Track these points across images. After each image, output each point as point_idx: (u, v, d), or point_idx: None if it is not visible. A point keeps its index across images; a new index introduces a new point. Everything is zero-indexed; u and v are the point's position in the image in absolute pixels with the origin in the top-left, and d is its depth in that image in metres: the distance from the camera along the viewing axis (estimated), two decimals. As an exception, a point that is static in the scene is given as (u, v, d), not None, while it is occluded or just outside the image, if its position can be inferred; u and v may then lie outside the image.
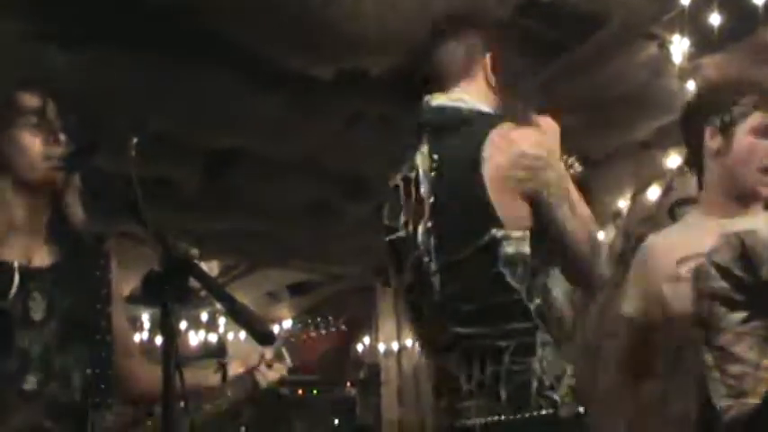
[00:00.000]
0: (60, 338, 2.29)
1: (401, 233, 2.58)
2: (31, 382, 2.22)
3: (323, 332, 3.04)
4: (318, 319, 3.01)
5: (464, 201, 2.39)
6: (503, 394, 2.29)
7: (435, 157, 2.48)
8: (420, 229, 2.49)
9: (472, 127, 2.43)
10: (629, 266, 5.52)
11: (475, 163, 2.33)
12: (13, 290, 2.23)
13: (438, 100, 2.57)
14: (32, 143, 2.29)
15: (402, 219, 2.59)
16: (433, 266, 2.43)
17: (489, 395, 2.29)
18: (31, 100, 2.34)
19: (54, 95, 2.38)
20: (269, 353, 2.72)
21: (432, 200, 2.47)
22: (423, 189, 2.51)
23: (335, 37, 4.14)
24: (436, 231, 2.44)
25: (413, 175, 2.56)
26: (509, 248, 2.34)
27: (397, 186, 2.66)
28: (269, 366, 2.72)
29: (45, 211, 2.38)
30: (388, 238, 2.62)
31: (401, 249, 2.57)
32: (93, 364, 2.35)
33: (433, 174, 2.49)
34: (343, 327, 3.11)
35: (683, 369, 3.78)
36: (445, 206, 2.44)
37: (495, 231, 2.32)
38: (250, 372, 2.70)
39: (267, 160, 5.58)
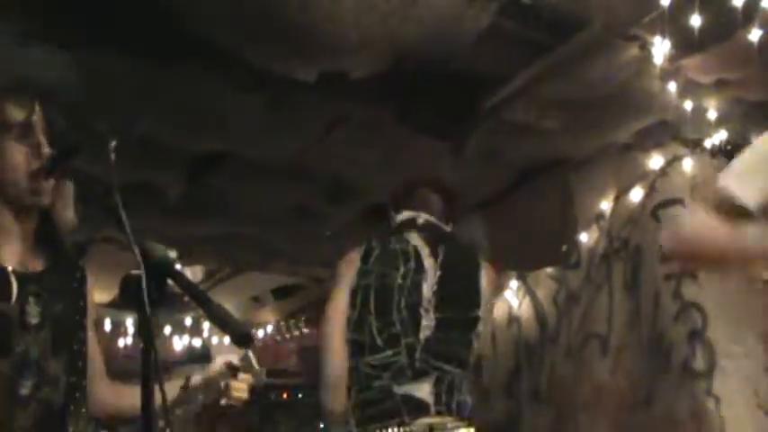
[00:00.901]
0: (53, 343, 2.30)
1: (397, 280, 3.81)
2: (26, 387, 2.22)
3: (301, 332, 2.98)
4: (292, 321, 2.96)
5: (464, 288, 3.89)
6: None
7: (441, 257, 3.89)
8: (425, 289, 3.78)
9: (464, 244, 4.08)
10: (612, 268, 5.57)
11: (478, 267, 4.01)
12: (14, 294, 2.24)
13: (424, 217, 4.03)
14: (18, 160, 2.30)
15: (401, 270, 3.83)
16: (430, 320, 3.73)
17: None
18: (16, 112, 2.34)
19: (36, 98, 2.38)
20: (235, 359, 2.65)
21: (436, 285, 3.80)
22: (428, 273, 3.84)
23: (315, 40, 4.13)
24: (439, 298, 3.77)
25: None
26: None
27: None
28: (234, 374, 2.62)
29: (34, 219, 2.39)
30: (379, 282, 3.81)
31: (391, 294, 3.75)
32: (72, 373, 2.35)
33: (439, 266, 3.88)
34: (305, 329, 3.07)
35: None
36: (448, 288, 3.81)
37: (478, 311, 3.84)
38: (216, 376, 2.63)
39: (250, 164, 5.57)
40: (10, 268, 2.29)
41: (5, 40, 4.02)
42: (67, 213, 2.44)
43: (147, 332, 1.76)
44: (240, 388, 2.61)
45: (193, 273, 8.10)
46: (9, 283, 2.25)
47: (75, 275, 2.52)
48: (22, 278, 2.30)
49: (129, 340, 9.16)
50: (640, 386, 5.27)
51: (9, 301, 2.23)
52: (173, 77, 4.50)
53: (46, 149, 2.32)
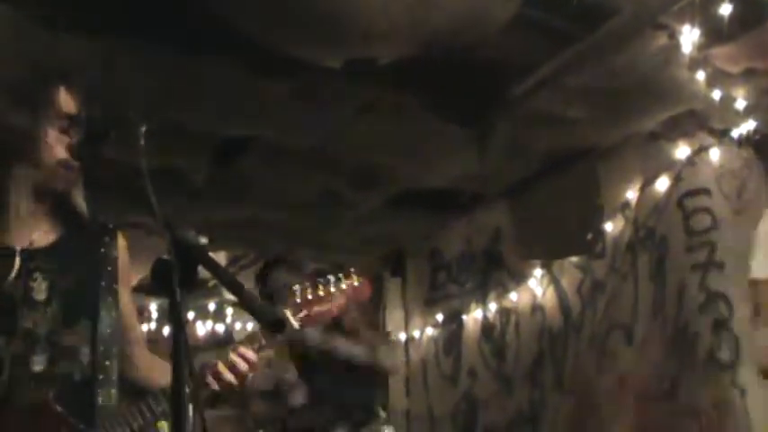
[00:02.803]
0: (66, 316, 2.31)
1: None
2: (39, 363, 2.24)
3: (333, 290, 2.90)
4: (330, 277, 2.89)
5: None
6: None
7: None
8: None
9: None
10: (637, 258, 5.56)
11: None
12: (14, 273, 2.25)
13: None
14: (56, 150, 2.32)
15: None
16: None
17: None
18: (68, 105, 2.37)
19: (68, 85, 2.40)
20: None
21: None
22: None
23: (343, 26, 4.13)
24: None
25: None
26: None
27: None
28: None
29: (50, 196, 2.40)
30: None
31: None
32: (98, 341, 2.36)
33: None
34: (356, 282, 2.99)
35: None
36: None
37: None
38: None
39: (276, 149, 5.57)
40: (18, 248, 2.31)
41: (37, 27, 4.03)
42: (78, 191, 2.46)
43: (177, 317, 1.77)
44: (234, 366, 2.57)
45: (217, 258, 8.12)
46: (12, 262, 2.27)
47: (101, 242, 2.53)
48: (28, 255, 2.32)
49: (153, 325, 9.19)
50: (664, 377, 5.26)
51: (6, 279, 2.25)
52: (200, 64, 4.52)
53: (80, 133, 2.34)
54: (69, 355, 2.30)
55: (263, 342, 2.58)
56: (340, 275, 2.85)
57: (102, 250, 2.53)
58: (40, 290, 2.30)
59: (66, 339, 2.31)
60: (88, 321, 2.37)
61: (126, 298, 2.58)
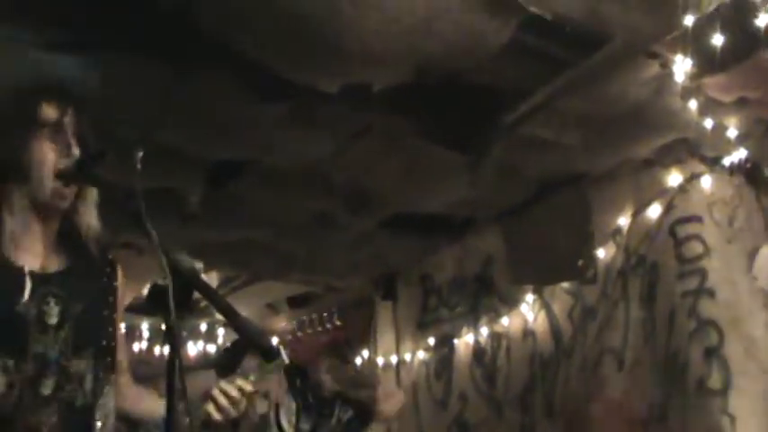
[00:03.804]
0: (74, 343, 2.32)
1: None
2: (48, 386, 2.25)
3: (317, 329, 2.93)
4: (313, 316, 2.92)
5: None
6: None
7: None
8: None
9: None
10: (628, 284, 5.57)
11: None
12: (26, 294, 2.26)
13: None
14: (47, 155, 2.33)
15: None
16: None
17: None
18: (50, 112, 2.39)
19: (68, 102, 2.42)
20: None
21: None
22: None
23: (338, 51, 4.15)
24: None
25: None
26: None
27: None
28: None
29: (57, 219, 2.42)
30: None
31: None
32: (99, 368, 2.38)
33: None
34: (338, 322, 3.04)
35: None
36: None
37: None
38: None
39: (270, 172, 5.58)
40: (27, 269, 2.32)
41: (34, 47, 4.05)
42: (91, 218, 2.47)
43: (173, 341, 1.78)
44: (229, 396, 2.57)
45: (209, 280, 8.12)
46: (24, 285, 2.28)
47: (104, 272, 2.55)
48: (41, 279, 2.33)
49: (145, 345, 9.18)
50: (655, 403, 5.27)
51: (20, 302, 2.26)
52: (196, 85, 4.53)
53: (75, 151, 2.36)
54: (75, 381, 2.32)
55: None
56: (324, 316, 2.91)
57: (105, 279, 2.55)
58: (51, 314, 2.31)
59: (73, 365, 2.32)
60: (92, 348, 2.38)
61: (119, 326, 2.59)
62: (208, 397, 2.54)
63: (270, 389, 5.22)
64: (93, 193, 2.47)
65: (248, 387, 2.59)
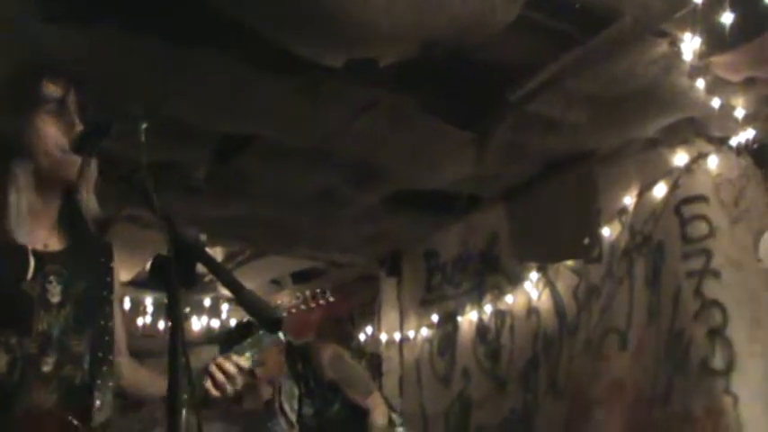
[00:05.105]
0: (75, 321, 2.32)
1: None
2: (48, 364, 2.25)
3: (312, 305, 2.96)
4: (307, 293, 2.94)
5: None
6: None
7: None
8: None
9: None
10: (633, 264, 5.57)
11: None
12: (30, 272, 2.26)
13: None
14: (51, 132, 2.33)
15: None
16: None
17: None
18: (53, 88, 2.38)
19: (67, 79, 2.41)
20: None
21: None
22: None
23: (345, 26, 4.13)
24: None
25: None
26: None
27: None
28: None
29: (58, 198, 2.41)
30: None
31: None
32: (98, 348, 2.38)
33: None
34: (331, 298, 3.05)
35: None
36: None
37: None
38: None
39: (276, 147, 5.57)
40: (30, 248, 2.31)
41: (35, 21, 4.03)
42: (90, 198, 2.47)
43: (175, 314, 1.77)
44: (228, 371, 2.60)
45: (213, 254, 8.12)
46: (27, 263, 2.28)
47: (102, 251, 2.55)
48: (44, 257, 2.33)
49: (149, 319, 9.19)
50: (658, 383, 5.27)
51: (25, 280, 2.25)
52: (202, 60, 4.51)
53: (78, 127, 2.35)
54: (75, 360, 2.31)
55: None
56: (317, 292, 2.89)
57: (103, 259, 2.55)
58: (54, 293, 2.31)
59: (74, 344, 2.32)
60: (91, 328, 2.38)
61: (117, 306, 2.59)
62: (205, 373, 2.54)
63: (274, 375, 5.22)
64: (93, 168, 2.46)
65: (244, 363, 2.61)
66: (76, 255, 2.43)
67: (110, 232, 2.64)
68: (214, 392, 2.54)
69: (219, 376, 2.55)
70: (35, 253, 2.32)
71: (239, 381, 2.59)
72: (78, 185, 2.43)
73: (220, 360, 2.58)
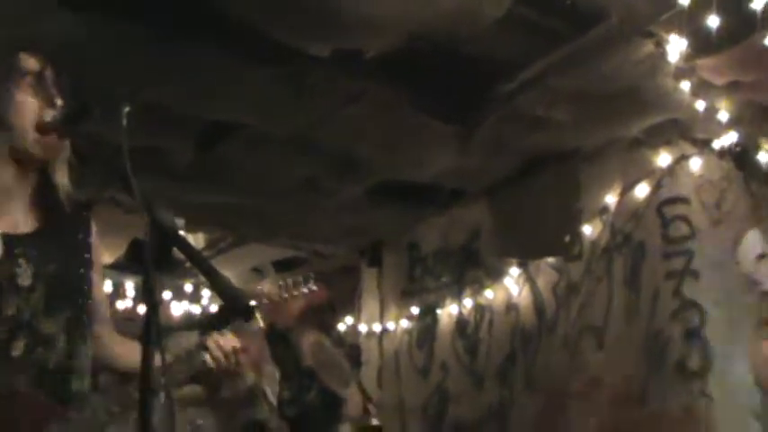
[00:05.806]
0: (46, 303, 2.30)
1: None
2: (18, 348, 2.22)
3: (294, 293, 2.94)
4: (289, 281, 2.92)
5: None
6: None
7: None
8: None
9: None
10: (613, 262, 5.59)
11: None
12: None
13: None
14: (29, 105, 2.31)
15: None
16: None
17: None
18: (31, 62, 2.36)
19: (49, 58, 2.39)
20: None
21: None
22: None
23: (332, 16, 4.12)
24: None
25: None
26: None
27: None
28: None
29: (32, 178, 2.39)
30: None
31: None
32: (74, 327, 2.36)
33: None
34: (314, 287, 3.04)
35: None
36: None
37: None
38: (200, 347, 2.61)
39: (259, 135, 5.56)
40: (0, 232, 2.29)
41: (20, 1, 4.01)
42: (63, 175, 2.45)
43: (150, 297, 1.77)
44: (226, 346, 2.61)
45: (195, 240, 8.10)
46: None
47: (79, 228, 2.52)
48: (13, 240, 2.31)
49: (130, 303, 9.16)
50: (634, 381, 5.30)
51: None
52: (186, 46, 4.50)
53: (58, 103, 2.33)
54: (46, 343, 2.29)
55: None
56: (300, 280, 2.86)
57: (80, 236, 2.52)
58: (25, 276, 2.28)
59: (45, 327, 2.30)
60: (66, 309, 2.36)
61: (98, 281, 2.57)
62: (203, 347, 2.54)
63: (256, 360, 5.21)
64: (66, 150, 2.43)
65: (236, 343, 2.61)
66: (50, 235, 2.40)
67: (90, 212, 2.62)
68: (212, 364, 2.53)
69: (216, 352, 2.54)
70: (4, 237, 2.29)
71: (233, 359, 2.58)
72: (54, 164, 2.41)
73: (217, 336, 2.57)
